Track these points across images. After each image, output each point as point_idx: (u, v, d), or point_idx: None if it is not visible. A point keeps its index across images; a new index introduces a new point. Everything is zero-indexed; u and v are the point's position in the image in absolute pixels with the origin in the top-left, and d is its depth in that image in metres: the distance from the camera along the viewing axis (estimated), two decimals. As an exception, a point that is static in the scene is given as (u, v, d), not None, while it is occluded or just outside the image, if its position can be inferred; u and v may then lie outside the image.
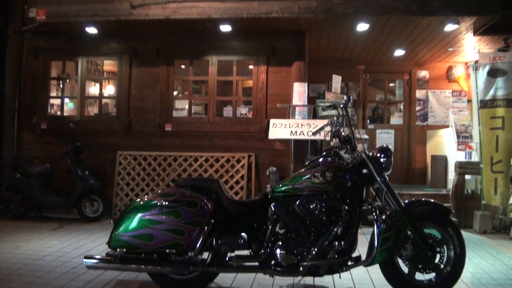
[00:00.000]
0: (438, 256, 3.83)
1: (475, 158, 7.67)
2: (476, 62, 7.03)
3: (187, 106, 8.30)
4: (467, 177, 7.31)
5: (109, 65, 9.07)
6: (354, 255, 3.81)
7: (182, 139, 7.64)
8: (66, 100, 9.02)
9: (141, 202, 3.79)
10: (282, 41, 7.41)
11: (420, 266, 3.83)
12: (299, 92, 7.14)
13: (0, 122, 8.09)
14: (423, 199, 4.03)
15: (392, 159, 3.97)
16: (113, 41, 7.95)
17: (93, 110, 9.41)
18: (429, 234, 3.87)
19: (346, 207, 3.76)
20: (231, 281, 4.25)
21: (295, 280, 4.27)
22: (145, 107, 7.80)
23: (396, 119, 9.76)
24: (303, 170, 3.94)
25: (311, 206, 3.72)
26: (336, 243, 3.70)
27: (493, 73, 6.77)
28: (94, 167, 7.61)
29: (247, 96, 8.15)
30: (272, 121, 6.92)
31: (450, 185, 7.65)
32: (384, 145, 4.06)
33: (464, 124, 7.72)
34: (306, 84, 7.24)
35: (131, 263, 3.73)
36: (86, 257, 3.81)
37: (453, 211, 7.14)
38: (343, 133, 4.02)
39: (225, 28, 7.15)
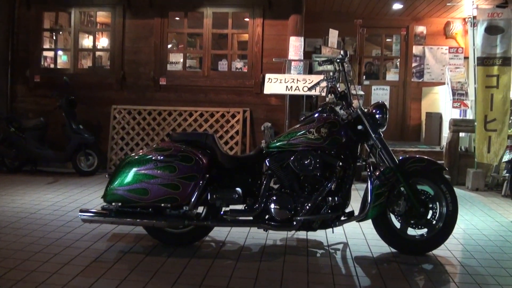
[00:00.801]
0: (430, 212, 3.90)
1: (469, 116, 7.67)
2: (474, 18, 6.91)
3: (181, 60, 8.17)
4: (461, 134, 7.34)
5: (103, 16, 8.85)
6: (347, 210, 3.86)
7: (177, 93, 7.57)
8: (60, 52, 8.84)
9: (136, 157, 3.79)
10: (277, -7, 7.25)
11: (412, 221, 3.90)
12: (295, 46, 7.02)
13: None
14: (417, 155, 4.06)
15: (388, 116, 3.98)
16: (105, -10, 7.73)
17: (87, 63, 9.25)
18: (422, 191, 3.93)
19: (340, 163, 3.79)
20: (226, 235, 4.31)
21: (289, 234, 4.33)
22: (139, 60, 7.66)
23: (392, 75, 9.69)
24: (298, 125, 3.94)
25: (306, 162, 3.73)
26: (330, 198, 3.74)
27: (490, 30, 6.67)
28: (89, 121, 7.57)
29: (242, 50, 8.02)
30: (267, 75, 6.85)
31: (444, 142, 7.69)
32: (380, 102, 4.05)
33: (460, 82, 7.68)
34: (303, 38, 7.12)
35: (127, 217, 3.76)
36: (81, 211, 3.83)
37: (447, 168, 7.21)
38: (338, 89, 3.99)
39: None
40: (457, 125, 7.16)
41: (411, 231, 3.98)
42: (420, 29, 9.34)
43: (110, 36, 7.89)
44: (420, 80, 9.40)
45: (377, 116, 3.91)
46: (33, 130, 7.25)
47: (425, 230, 3.94)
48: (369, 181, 3.75)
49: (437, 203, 3.93)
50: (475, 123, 6.84)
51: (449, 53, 8.82)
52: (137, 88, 7.67)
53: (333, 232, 4.09)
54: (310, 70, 7.40)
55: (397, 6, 8.52)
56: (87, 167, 7.23)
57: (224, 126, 7.37)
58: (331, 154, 3.80)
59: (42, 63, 8.26)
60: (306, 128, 3.82)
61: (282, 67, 7.03)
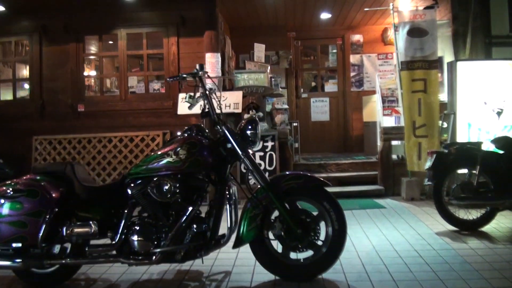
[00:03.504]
0: (313, 233, 3.56)
1: (403, 123, 7.39)
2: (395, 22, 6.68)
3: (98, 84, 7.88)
4: (396, 142, 7.03)
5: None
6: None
7: (96, 119, 7.26)
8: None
9: (-14, 191, 3.46)
10: (191, 9, 7.01)
11: (292, 244, 3.55)
12: (212, 63, 6.76)
13: None
14: (293, 172, 3.77)
15: (258, 131, 3.67)
16: (22, 19, 7.49)
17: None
18: (304, 210, 3.59)
19: (207, 186, 3.48)
20: (104, 271, 3.95)
21: (171, 266, 3.98)
22: (57, 87, 7.38)
23: (330, 86, 9.44)
24: (160, 148, 3.63)
25: (165, 188, 3.40)
26: (194, 225, 3.41)
27: (413, 33, 6.40)
28: (12, 153, 7.14)
29: (159, 71, 7.74)
30: (180, 95, 6.57)
31: (380, 151, 7.39)
32: (252, 116, 3.78)
33: (390, 88, 7.39)
34: (219, 54, 6.87)
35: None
36: None
37: (379, 179, 6.91)
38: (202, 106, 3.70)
39: (127, -3, 6.74)
40: (388, 133, 6.88)
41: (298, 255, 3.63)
42: (357, 37, 9.13)
43: (29, 65, 7.60)
44: (360, 89, 9.15)
45: (248, 132, 3.61)
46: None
47: (311, 253, 3.60)
48: (227, 204, 3.43)
49: (323, 222, 3.59)
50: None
51: (378, 59, 8.48)
52: (57, 116, 7.37)
53: (202, 262, 3.72)
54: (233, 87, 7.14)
55: (326, 16, 8.30)
56: (8, 203, 6.83)
57: (144, 151, 7.02)
58: (196, 176, 3.48)
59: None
60: (165, 151, 3.50)
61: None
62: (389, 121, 7.48)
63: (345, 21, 8.74)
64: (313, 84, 9.91)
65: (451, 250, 4.25)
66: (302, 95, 9.30)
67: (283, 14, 8.13)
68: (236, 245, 3.51)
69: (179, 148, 3.45)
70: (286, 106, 7.30)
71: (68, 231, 3.43)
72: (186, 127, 3.72)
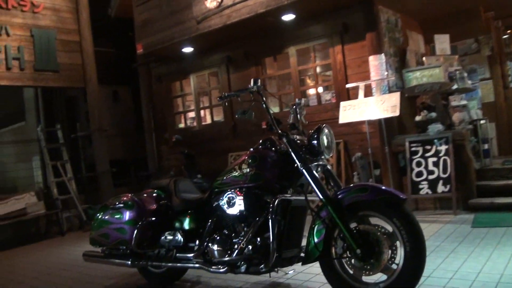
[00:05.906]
0: (385, 254, 3.07)
1: None
2: None
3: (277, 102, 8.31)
4: None
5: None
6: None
7: (278, 133, 7.68)
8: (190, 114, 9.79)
9: (104, 204, 4.27)
10: (352, 14, 6.76)
11: (358, 266, 3.15)
12: (375, 66, 6.38)
13: (144, 140, 9.57)
14: (357, 184, 3.40)
15: (323, 140, 3.49)
16: (210, 54, 8.60)
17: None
18: (377, 227, 3.14)
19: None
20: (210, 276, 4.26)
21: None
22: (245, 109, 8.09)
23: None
24: (235, 161, 3.79)
25: (232, 201, 3.56)
26: (258, 238, 3.41)
27: None
28: (211, 168, 8.20)
29: (329, 81, 7.62)
30: (342, 104, 6.41)
31: None
32: (320, 125, 3.60)
33: None
34: (383, 55, 6.42)
35: (115, 258, 4.14)
36: (84, 253, 4.40)
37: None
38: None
39: (288, 17, 6.99)
40: None
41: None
42: None
43: (219, 91, 8.60)
44: None
45: (313, 142, 3.47)
46: (166, 183, 8.34)
47: (384, 276, 3.15)
48: (270, 219, 3.28)
49: (398, 242, 3.09)
50: None
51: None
52: (246, 134, 8.09)
53: (270, 277, 3.61)
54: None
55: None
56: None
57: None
58: (264, 189, 3.47)
59: (177, 124, 9.44)
60: (234, 165, 3.67)
61: (358, 92, 6.43)
62: None
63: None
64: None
65: None
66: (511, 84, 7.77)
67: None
68: (304, 261, 3.34)
69: (243, 163, 3.54)
70: (464, 102, 6.30)
71: (162, 238, 3.92)
72: (260, 141, 3.78)
